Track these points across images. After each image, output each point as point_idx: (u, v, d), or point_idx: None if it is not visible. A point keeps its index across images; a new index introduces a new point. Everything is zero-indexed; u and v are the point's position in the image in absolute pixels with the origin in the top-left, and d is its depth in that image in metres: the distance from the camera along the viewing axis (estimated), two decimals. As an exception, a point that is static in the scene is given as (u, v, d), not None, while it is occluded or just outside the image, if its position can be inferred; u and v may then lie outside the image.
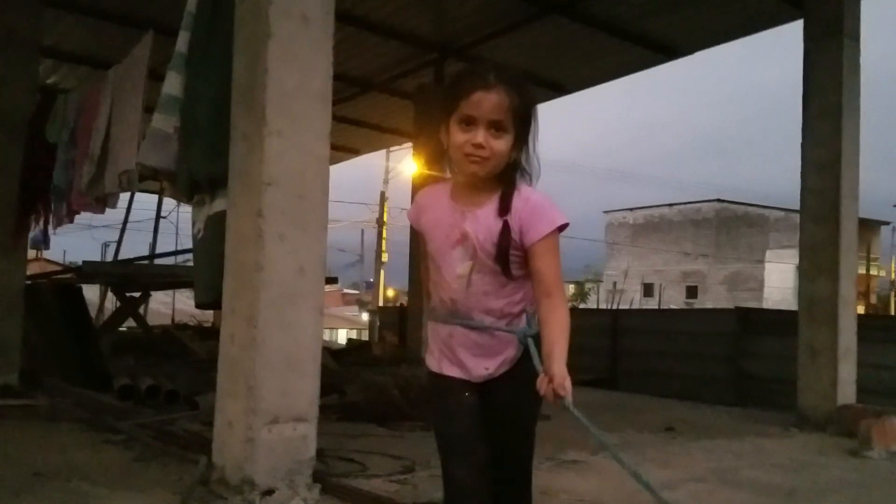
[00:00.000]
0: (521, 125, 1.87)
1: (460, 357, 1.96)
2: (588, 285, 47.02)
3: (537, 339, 1.86)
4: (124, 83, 5.12)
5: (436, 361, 2.01)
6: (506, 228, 1.86)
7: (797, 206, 6.97)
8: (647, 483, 1.74)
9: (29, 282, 7.16)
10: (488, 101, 1.81)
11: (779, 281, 38.13)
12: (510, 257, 1.88)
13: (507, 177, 1.89)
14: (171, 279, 9.72)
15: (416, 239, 2.10)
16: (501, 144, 1.84)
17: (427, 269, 2.06)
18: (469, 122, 1.83)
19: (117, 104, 5.15)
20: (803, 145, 6.75)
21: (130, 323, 10.25)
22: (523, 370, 1.87)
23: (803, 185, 6.76)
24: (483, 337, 1.94)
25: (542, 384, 1.74)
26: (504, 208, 1.87)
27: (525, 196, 1.89)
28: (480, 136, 1.82)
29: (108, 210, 5.90)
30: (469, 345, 1.95)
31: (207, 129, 3.68)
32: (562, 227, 1.89)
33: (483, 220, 1.89)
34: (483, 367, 1.94)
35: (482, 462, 1.92)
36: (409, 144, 12.03)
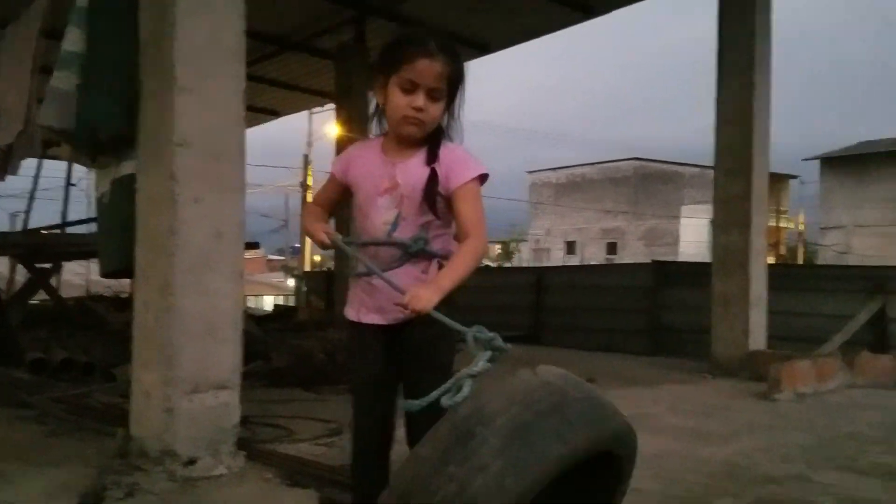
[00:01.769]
0: (453, 92, 2.05)
1: (379, 301, 2.06)
2: (512, 244, 47.61)
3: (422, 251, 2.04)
4: (17, 43, 4.84)
5: (354, 311, 2.15)
6: (433, 175, 2.02)
7: (711, 163, 7.18)
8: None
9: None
10: (431, 70, 1.97)
11: (693, 235, 39.42)
12: (437, 202, 2.03)
13: (434, 135, 2.07)
14: (84, 249, 9.30)
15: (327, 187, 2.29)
16: (437, 109, 2.02)
17: (318, 208, 2.27)
18: (410, 87, 1.98)
19: (9, 65, 4.87)
20: (717, 100, 6.93)
21: (42, 296, 9.82)
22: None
23: (717, 140, 6.96)
24: (399, 277, 2.00)
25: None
26: (431, 158, 2.03)
27: (451, 148, 2.07)
28: (421, 100, 1.98)
29: (15, 179, 5.62)
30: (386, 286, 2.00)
31: (116, 86, 3.48)
32: (482, 179, 2.04)
33: (412, 170, 2.04)
34: (399, 310, 1.96)
35: (385, 411, 2.09)
36: (332, 106, 11.79)
